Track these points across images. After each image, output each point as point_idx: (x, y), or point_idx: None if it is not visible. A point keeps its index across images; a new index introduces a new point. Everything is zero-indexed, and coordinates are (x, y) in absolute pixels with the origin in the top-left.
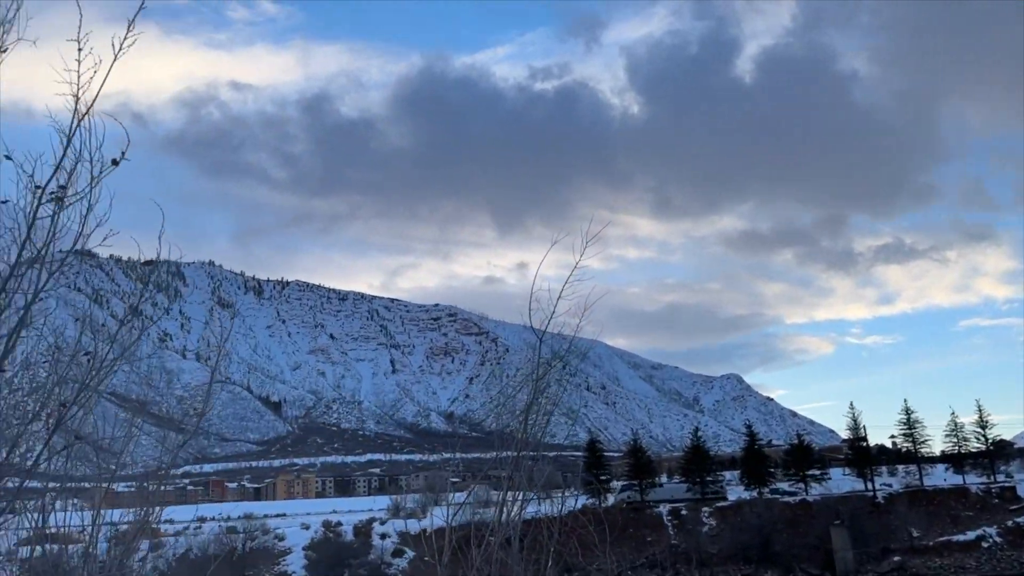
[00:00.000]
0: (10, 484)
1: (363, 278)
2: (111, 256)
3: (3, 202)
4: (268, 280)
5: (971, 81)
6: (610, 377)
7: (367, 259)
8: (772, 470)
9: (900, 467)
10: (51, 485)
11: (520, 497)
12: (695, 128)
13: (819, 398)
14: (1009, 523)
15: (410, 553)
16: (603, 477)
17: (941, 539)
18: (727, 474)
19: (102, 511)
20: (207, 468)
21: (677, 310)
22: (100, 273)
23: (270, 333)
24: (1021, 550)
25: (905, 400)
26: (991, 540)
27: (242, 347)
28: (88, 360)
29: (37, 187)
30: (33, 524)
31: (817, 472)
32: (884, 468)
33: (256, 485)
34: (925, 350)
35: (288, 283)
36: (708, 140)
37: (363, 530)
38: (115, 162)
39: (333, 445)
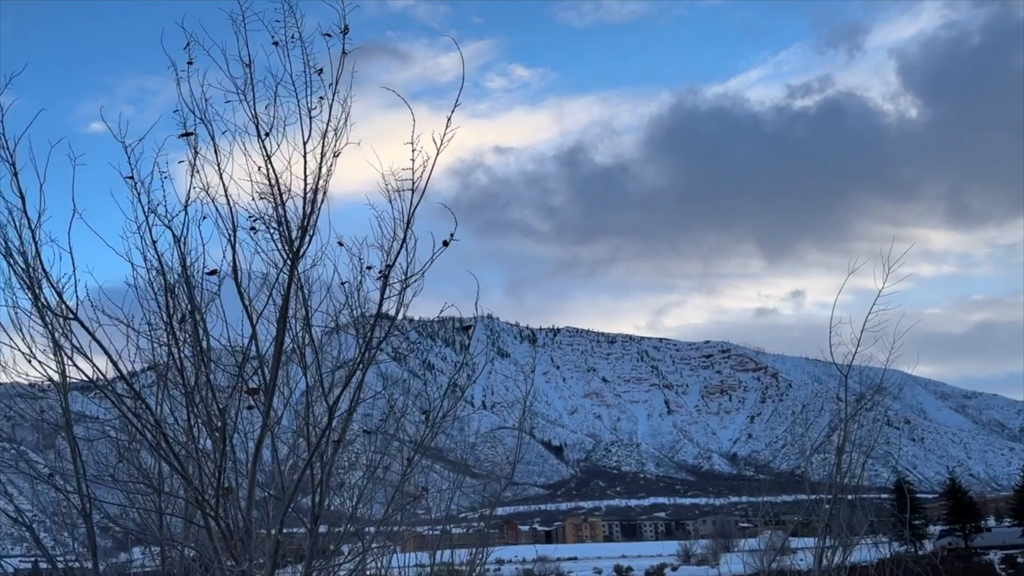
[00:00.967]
0: (340, 529)
1: (629, 319)
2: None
3: (343, 283)
4: (540, 328)
5: None
6: (914, 409)
7: (632, 300)
8: None
9: None
10: (368, 529)
11: (836, 544)
12: (987, 124)
13: None
14: None
15: None
16: (916, 521)
17: None
18: None
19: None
20: (499, 511)
21: (988, 330)
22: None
23: (546, 379)
24: None
25: None
26: None
27: (521, 394)
28: (426, 418)
29: (368, 267)
30: (355, 567)
31: None
32: None
33: (546, 528)
34: None
35: (559, 330)
36: (1003, 136)
37: None
38: (446, 243)
39: (615, 488)
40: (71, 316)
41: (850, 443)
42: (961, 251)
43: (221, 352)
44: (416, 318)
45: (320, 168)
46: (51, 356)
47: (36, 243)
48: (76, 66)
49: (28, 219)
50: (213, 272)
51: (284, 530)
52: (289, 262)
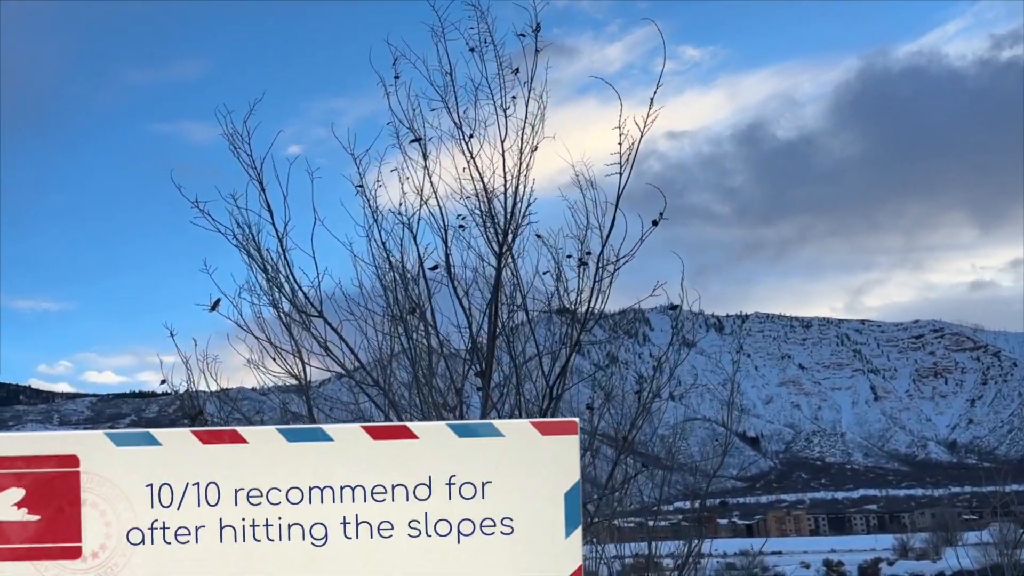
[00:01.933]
0: None
1: (824, 301)
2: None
3: (543, 272)
4: (727, 316)
5: None
6: None
7: (825, 281)
8: None
9: None
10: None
11: None
12: None
13: None
14: None
15: None
16: None
17: None
18: None
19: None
20: (697, 504)
21: None
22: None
23: (736, 368)
24: None
25: None
26: None
27: (713, 384)
28: (637, 396)
29: (568, 256)
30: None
31: None
32: None
33: (747, 522)
34: None
35: (747, 316)
36: None
37: (869, 571)
38: (655, 222)
39: (820, 480)
40: (316, 314)
41: None
42: None
43: (443, 341)
44: (597, 310)
45: (520, 163)
46: (294, 352)
47: (284, 251)
48: (273, 96)
49: (276, 229)
50: (435, 267)
51: None
52: (497, 256)
